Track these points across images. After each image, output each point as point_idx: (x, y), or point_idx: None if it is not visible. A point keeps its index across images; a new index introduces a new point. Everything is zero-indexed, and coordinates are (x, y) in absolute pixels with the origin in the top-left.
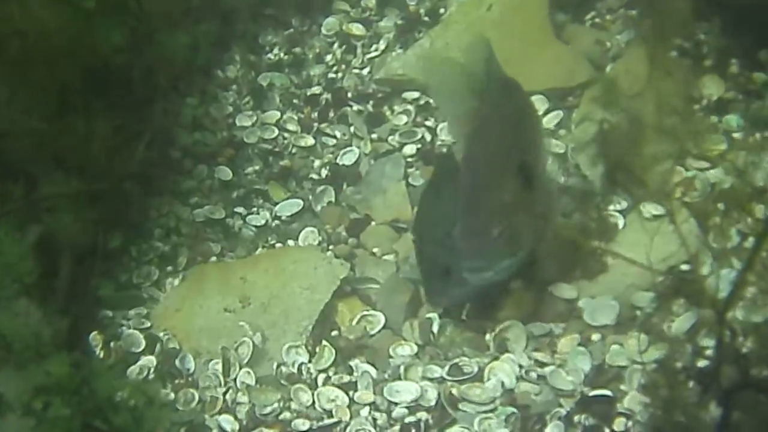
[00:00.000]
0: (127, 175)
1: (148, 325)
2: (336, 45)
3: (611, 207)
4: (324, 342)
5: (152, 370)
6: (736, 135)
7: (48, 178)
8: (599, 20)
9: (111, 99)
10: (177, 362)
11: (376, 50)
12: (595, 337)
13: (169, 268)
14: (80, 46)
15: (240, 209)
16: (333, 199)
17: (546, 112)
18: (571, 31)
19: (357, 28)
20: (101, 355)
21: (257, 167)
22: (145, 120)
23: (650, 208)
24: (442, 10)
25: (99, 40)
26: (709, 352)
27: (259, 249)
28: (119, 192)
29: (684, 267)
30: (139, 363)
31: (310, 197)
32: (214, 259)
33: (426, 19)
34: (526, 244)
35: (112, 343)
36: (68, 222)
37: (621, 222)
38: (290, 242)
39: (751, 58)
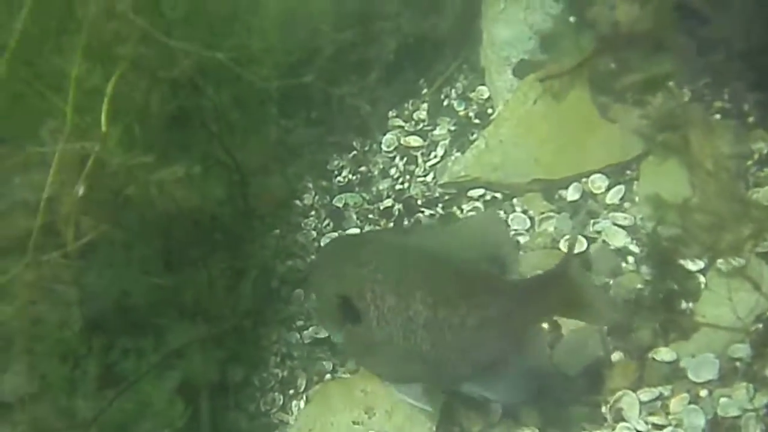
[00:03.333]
0: (243, 312)
1: None
2: (397, 158)
3: (692, 267)
4: None
5: None
6: None
7: (175, 327)
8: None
9: (212, 245)
10: None
11: (435, 157)
12: (703, 393)
13: (291, 391)
14: (193, 208)
15: None
16: None
17: (608, 188)
18: (615, 110)
19: (414, 140)
20: None
21: None
22: (248, 258)
23: (727, 264)
24: (489, 110)
25: (205, 199)
26: None
27: None
28: (237, 329)
29: None
30: None
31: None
32: (328, 376)
33: (477, 121)
34: None
35: None
36: (200, 365)
37: (703, 281)
38: None
39: None
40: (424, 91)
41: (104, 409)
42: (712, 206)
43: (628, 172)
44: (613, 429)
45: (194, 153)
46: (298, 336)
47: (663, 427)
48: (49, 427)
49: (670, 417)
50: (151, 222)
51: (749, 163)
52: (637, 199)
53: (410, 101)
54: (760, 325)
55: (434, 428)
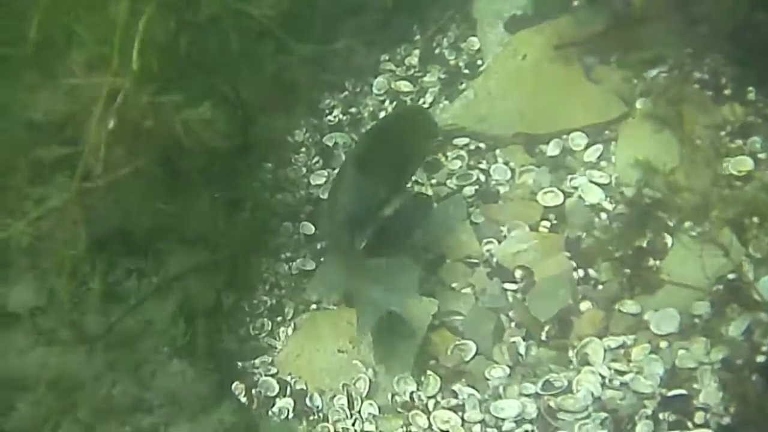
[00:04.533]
0: (240, 240)
1: (275, 371)
2: (387, 102)
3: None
4: (428, 371)
5: (291, 410)
6: (761, 155)
7: (175, 252)
8: (624, 60)
9: (209, 175)
10: (307, 401)
11: (424, 103)
12: (663, 344)
13: (279, 318)
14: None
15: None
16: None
17: (587, 147)
18: (599, 71)
19: (405, 85)
20: (246, 401)
21: None
22: (244, 190)
23: (693, 225)
24: (479, 62)
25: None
26: (765, 349)
27: None
28: (233, 257)
29: (731, 276)
30: (278, 405)
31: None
32: (314, 306)
33: (466, 71)
34: None
35: (252, 390)
36: (198, 289)
37: (670, 241)
38: None
39: (765, 85)
40: (417, 37)
41: (112, 325)
42: (696, 178)
43: (607, 132)
44: (579, 372)
45: (203, 89)
46: (286, 267)
47: (625, 373)
48: (59, 339)
49: (631, 364)
50: (159, 151)
51: (722, 133)
52: (613, 158)
53: (403, 46)
54: (721, 287)
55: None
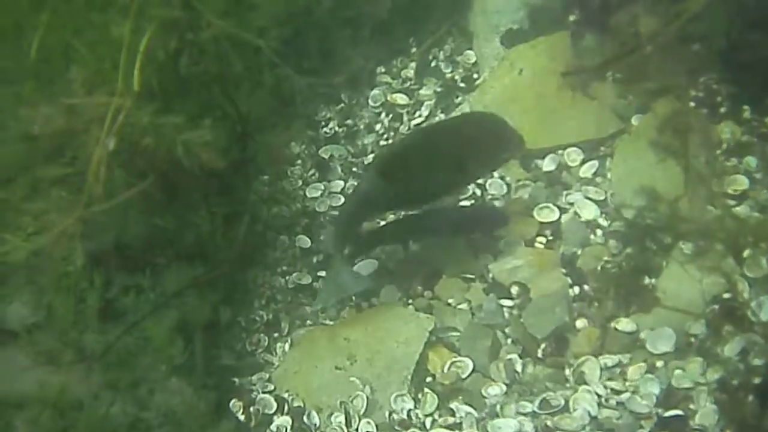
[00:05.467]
0: (237, 256)
1: (272, 388)
2: (383, 114)
3: (656, 247)
4: (425, 389)
5: (289, 428)
6: (756, 175)
7: (173, 267)
8: (620, 76)
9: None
10: (305, 419)
11: (420, 116)
12: (659, 363)
13: (276, 334)
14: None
15: (323, 273)
16: (402, 256)
17: (582, 162)
18: (595, 87)
19: (401, 98)
20: (244, 419)
21: None
22: (241, 203)
23: (689, 245)
24: (475, 76)
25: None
26: (761, 370)
27: (347, 309)
28: (230, 272)
29: (726, 295)
30: (276, 422)
31: (383, 256)
32: (310, 321)
33: (462, 85)
34: None
35: (251, 408)
36: (195, 305)
37: (666, 260)
38: (374, 300)
39: (760, 104)
40: (414, 50)
41: (111, 344)
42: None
43: (603, 148)
44: (575, 391)
45: (203, 106)
46: (282, 281)
47: (621, 392)
48: (57, 358)
49: (627, 383)
50: (159, 171)
51: (718, 152)
52: (609, 175)
53: (399, 59)
54: (716, 306)
55: (410, 377)
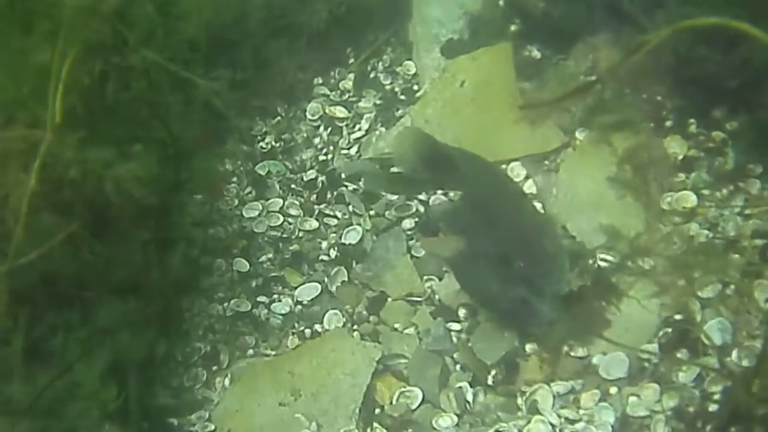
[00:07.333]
0: (172, 286)
1: (212, 428)
2: (322, 128)
3: (602, 264)
4: (374, 423)
5: None
6: (704, 191)
7: (104, 302)
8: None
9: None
10: None
11: (359, 130)
12: (613, 390)
13: (215, 367)
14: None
15: (263, 298)
16: (346, 279)
17: (526, 178)
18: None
19: (340, 111)
20: None
21: (270, 255)
22: (174, 229)
23: (638, 264)
24: (415, 87)
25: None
26: (716, 397)
27: (290, 336)
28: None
29: (678, 317)
30: None
31: (325, 279)
32: (251, 352)
33: (402, 97)
34: None
35: None
36: (129, 341)
37: (615, 281)
38: (317, 326)
39: (706, 117)
40: (351, 60)
41: (39, 393)
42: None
43: (546, 162)
44: (529, 421)
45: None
46: (220, 308)
47: (575, 421)
48: None
49: (581, 412)
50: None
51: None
52: (554, 190)
53: (337, 70)
54: (669, 329)
55: (357, 411)
